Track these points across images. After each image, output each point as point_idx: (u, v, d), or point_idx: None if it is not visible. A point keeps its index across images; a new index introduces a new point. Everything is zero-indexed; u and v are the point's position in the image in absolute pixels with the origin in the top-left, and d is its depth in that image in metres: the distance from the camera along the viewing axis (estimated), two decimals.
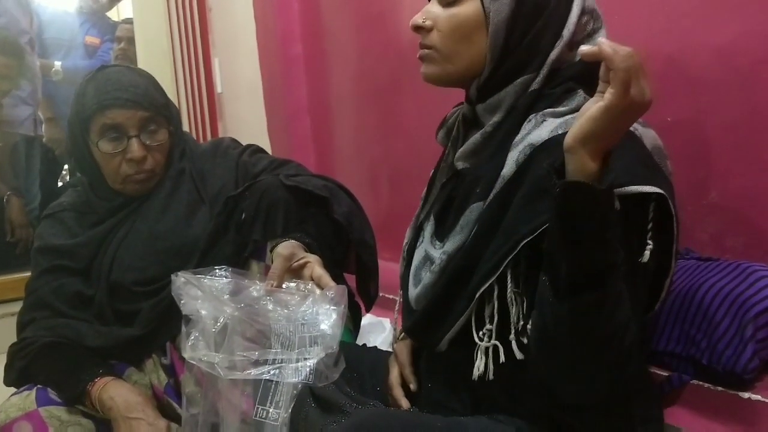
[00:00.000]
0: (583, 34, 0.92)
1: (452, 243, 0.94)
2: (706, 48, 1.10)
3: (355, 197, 1.41)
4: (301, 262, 1.15)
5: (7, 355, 1.29)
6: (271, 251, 1.20)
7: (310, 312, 1.00)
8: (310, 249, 1.21)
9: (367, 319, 1.57)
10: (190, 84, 2.88)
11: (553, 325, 0.78)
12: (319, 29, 2.37)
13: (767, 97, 1.03)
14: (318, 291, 1.06)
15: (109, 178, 1.33)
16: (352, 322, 1.38)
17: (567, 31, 0.90)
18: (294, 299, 1.03)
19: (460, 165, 0.99)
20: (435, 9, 0.95)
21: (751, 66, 1.04)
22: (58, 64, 3.24)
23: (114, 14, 4.54)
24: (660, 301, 0.88)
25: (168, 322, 1.26)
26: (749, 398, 0.95)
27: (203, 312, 0.98)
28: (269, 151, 2.08)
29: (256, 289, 1.05)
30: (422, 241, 1.03)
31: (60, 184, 3.43)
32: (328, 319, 0.99)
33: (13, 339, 1.32)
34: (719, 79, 1.09)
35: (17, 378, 1.27)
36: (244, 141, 1.55)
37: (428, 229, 1.03)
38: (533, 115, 0.89)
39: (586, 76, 0.82)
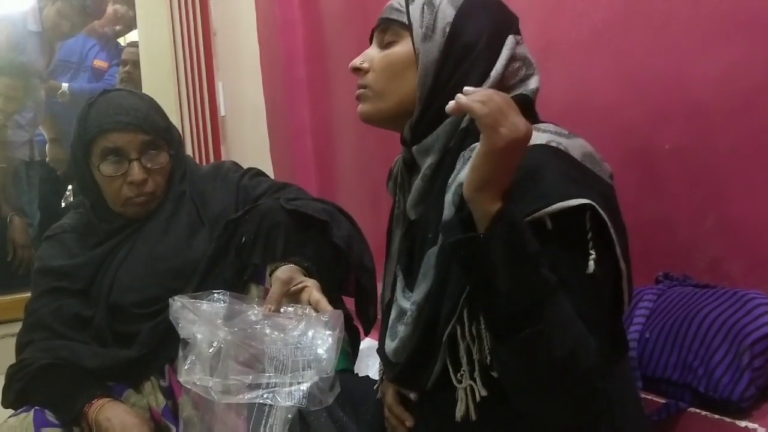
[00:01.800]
0: (516, 80, 0.95)
1: (419, 292, 0.94)
2: (705, 75, 1.11)
3: (355, 221, 1.41)
4: (300, 286, 1.15)
5: (6, 376, 1.29)
6: (271, 275, 1.21)
7: (305, 336, 1.00)
8: (308, 273, 1.21)
9: (365, 342, 1.57)
10: (193, 106, 2.90)
11: (502, 364, 0.80)
12: (322, 52, 2.39)
13: (764, 124, 1.04)
14: (315, 315, 1.07)
15: (110, 200, 1.34)
16: (350, 345, 1.38)
17: (495, 72, 0.93)
18: (291, 323, 1.03)
19: (412, 215, 1.00)
20: (373, 51, 1.01)
21: (749, 93, 1.05)
22: (65, 86, 3.26)
23: (120, 38, 4.60)
24: (625, 304, 0.89)
25: (167, 344, 1.26)
26: (746, 426, 0.94)
27: (199, 336, 0.98)
28: (271, 173, 2.10)
29: (253, 312, 1.05)
30: (396, 297, 1.03)
31: (63, 204, 3.44)
32: (323, 343, 0.99)
33: (13, 360, 1.32)
34: (717, 106, 1.10)
35: (15, 399, 1.27)
36: (247, 163, 1.56)
37: (399, 283, 1.03)
38: (463, 152, 0.91)
39: None
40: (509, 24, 0.98)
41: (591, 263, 0.80)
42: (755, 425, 0.94)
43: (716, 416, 0.98)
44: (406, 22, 0.96)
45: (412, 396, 1.01)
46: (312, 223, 1.31)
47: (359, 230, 1.40)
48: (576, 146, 0.87)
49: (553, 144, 0.85)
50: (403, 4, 0.98)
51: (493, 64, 0.93)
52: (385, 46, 0.99)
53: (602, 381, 0.80)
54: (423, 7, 0.96)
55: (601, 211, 0.80)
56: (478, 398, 0.85)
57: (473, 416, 0.86)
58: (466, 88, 0.79)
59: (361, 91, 1.01)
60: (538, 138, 0.85)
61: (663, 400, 1.04)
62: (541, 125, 0.90)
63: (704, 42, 1.11)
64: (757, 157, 1.05)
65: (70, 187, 3.44)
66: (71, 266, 1.36)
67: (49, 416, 1.21)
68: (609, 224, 0.81)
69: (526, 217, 0.79)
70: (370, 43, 1.03)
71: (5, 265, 2.93)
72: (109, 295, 1.32)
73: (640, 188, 1.24)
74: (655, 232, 1.22)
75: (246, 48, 2.77)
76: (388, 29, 0.99)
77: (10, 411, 1.27)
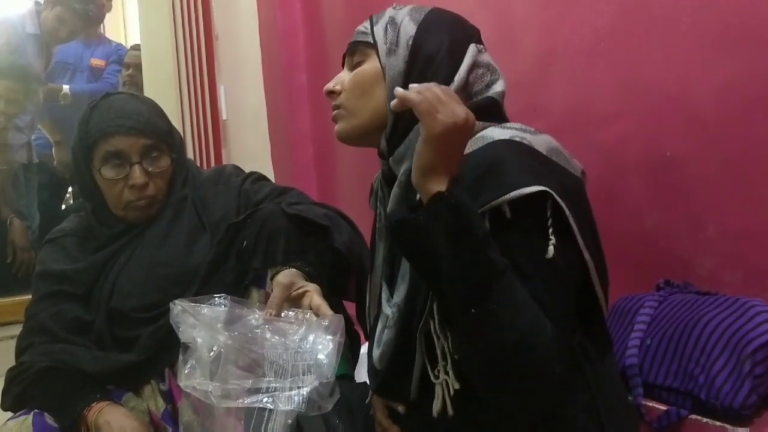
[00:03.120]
0: (482, 85, 1.00)
1: (398, 295, 0.98)
2: (705, 84, 1.11)
3: (356, 226, 1.41)
4: (300, 290, 1.15)
5: (5, 379, 1.29)
6: (272, 279, 1.21)
7: (306, 341, 1.00)
8: (309, 277, 1.21)
9: (366, 347, 1.56)
10: (195, 110, 2.90)
11: (457, 349, 0.83)
12: (323, 59, 2.40)
13: (763, 134, 1.04)
14: (315, 320, 1.07)
15: (111, 204, 1.34)
16: (350, 350, 1.38)
17: (458, 78, 0.97)
18: (292, 328, 1.03)
19: None
20: (344, 74, 1.06)
21: (749, 103, 1.05)
22: (66, 87, 3.27)
23: (122, 41, 4.61)
24: (601, 300, 0.92)
25: (167, 348, 1.26)
26: None
27: (199, 340, 0.98)
28: (272, 178, 2.09)
29: (254, 317, 1.05)
30: (382, 309, 1.05)
31: (63, 207, 3.44)
32: (324, 348, 0.99)
33: (12, 363, 1.32)
34: (717, 116, 1.10)
35: (14, 402, 1.27)
36: (248, 167, 1.56)
37: (384, 294, 1.06)
38: None
39: (476, 111, 0.88)
40: (469, 35, 1.03)
41: (550, 248, 0.82)
42: None
43: (717, 424, 0.97)
44: (372, 41, 1.02)
45: (400, 409, 1.02)
46: (313, 227, 1.31)
47: (360, 235, 1.40)
48: (541, 141, 0.91)
49: (517, 139, 0.89)
50: (368, 26, 1.04)
51: (456, 71, 0.98)
52: (354, 66, 1.05)
53: (561, 367, 0.81)
54: (386, 27, 1.02)
55: (559, 200, 0.82)
56: (451, 392, 0.87)
57: (450, 411, 0.87)
58: (411, 85, 0.84)
59: (336, 112, 1.06)
60: (502, 134, 0.90)
61: (664, 408, 1.03)
62: (507, 124, 0.95)
63: (705, 52, 1.11)
64: (757, 166, 1.05)
65: (70, 189, 3.45)
66: (72, 270, 1.36)
67: (49, 419, 1.21)
68: (568, 213, 0.83)
69: (484, 206, 0.82)
70: (342, 68, 1.08)
71: (5, 267, 2.93)
72: (109, 300, 1.32)
73: (640, 197, 1.24)
74: (655, 240, 1.22)
75: (248, 53, 2.77)
76: (356, 51, 1.05)
77: (10, 414, 1.26)
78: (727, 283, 1.10)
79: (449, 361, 0.86)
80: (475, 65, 1.00)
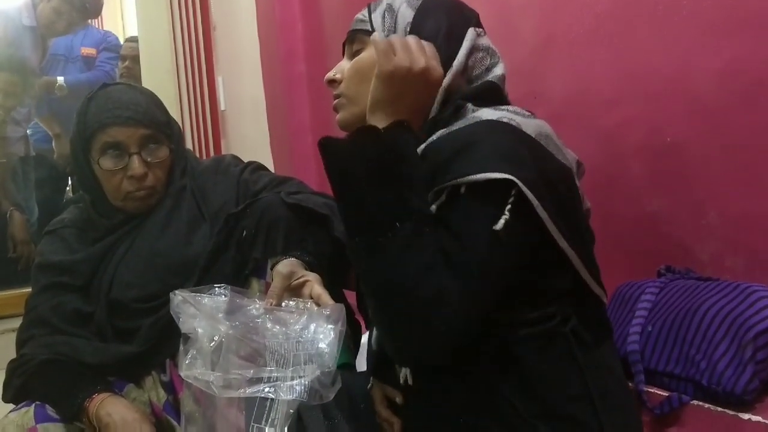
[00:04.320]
0: (482, 69, 1.01)
1: None
2: (707, 69, 1.11)
3: None
4: (301, 280, 1.15)
5: (6, 371, 1.29)
6: (272, 269, 1.20)
7: (307, 330, 1.00)
8: (310, 267, 1.21)
9: (367, 336, 1.56)
10: (193, 101, 2.89)
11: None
12: (322, 48, 2.39)
13: (765, 119, 1.03)
14: (316, 309, 1.06)
15: (110, 195, 1.33)
16: (351, 339, 1.38)
17: (457, 62, 0.98)
18: (292, 317, 1.03)
19: None
20: (344, 63, 1.07)
21: (751, 87, 1.05)
22: (60, 79, 3.25)
23: (120, 32, 4.59)
24: (590, 284, 0.92)
25: (168, 339, 1.26)
26: (749, 419, 0.94)
27: (200, 330, 0.98)
28: (272, 168, 2.09)
29: (255, 307, 1.05)
30: None
31: (65, 200, 3.44)
32: (325, 337, 0.99)
33: (13, 355, 1.31)
34: (719, 100, 1.10)
35: (15, 395, 1.27)
36: (247, 158, 1.55)
37: None
38: (430, 139, 0.94)
39: (476, 96, 0.92)
40: (467, 19, 1.03)
41: (501, 221, 0.82)
42: (758, 418, 0.94)
43: (719, 409, 0.98)
44: (370, 29, 1.03)
45: (398, 399, 1.02)
46: (313, 217, 1.30)
47: None
48: (532, 125, 0.91)
49: (505, 119, 0.89)
50: (366, 14, 1.05)
51: (455, 55, 0.98)
52: (353, 55, 1.05)
53: (466, 329, 0.82)
54: (384, 13, 1.03)
55: (526, 189, 0.82)
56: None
57: (410, 381, 0.92)
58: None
59: (336, 101, 1.07)
60: (491, 114, 0.90)
61: (666, 394, 1.04)
62: (503, 106, 0.95)
63: (706, 36, 1.11)
64: (758, 151, 1.05)
65: (70, 182, 3.44)
66: (71, 262, 1.35)
67: (50, 411, 1.21)
68: (536, 203, 0.83)
69: (447, 182, 0.84)
70: (343, 56, 1.09)
71: (6, 260, 2.93)
72: (109, 291, 1.32)
73: (641, 182, 1.24)
74: (656, 226, 1.22)
75: (246, 43, 2.76)
76: (355, 39, 1.06)
77: (11, 406, 1.26)
78: (729, 269, 1.10)
79: None
80: (474, 49, 1.00)
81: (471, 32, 1.00)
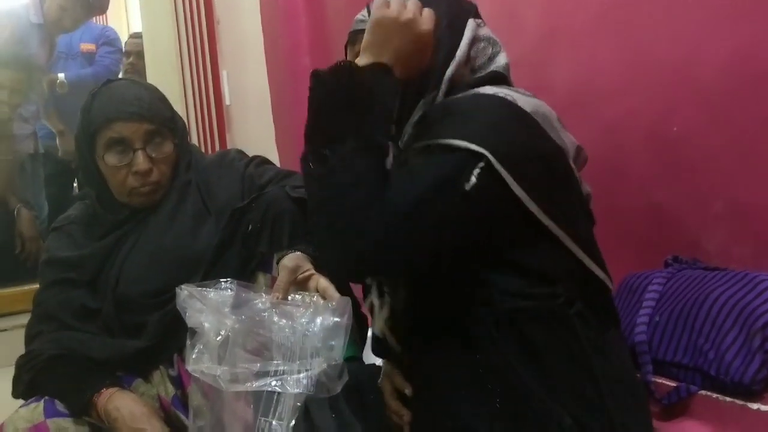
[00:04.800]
0: (484, 58, 1.02)
1: None
2: (713, 58, 1.10)
3: None
4: (307, 274, 1.15)
5: (15, 367, 1.30)
6: (278, 263, 1.20)
7: (313, 323, 1.00)
8: (315, 260, 1.21)
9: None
10: (198, 96, 2.89)
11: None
12: (326, 42, 2.38)
13: None
14: (322, 303, 1.07)
15: (115, 190, 1.34)
16: (358, 333, 1.38)
17: (460, 52, 0.99)
18: (299, 311, 1.03)
19: None
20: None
21: (758, 76, 1.04)
22: (61, 76, 3.24)
23: (124, 28, 4.59)
24: (592, 267, 0.94)
25: (175, 334, 1.26)
26: (758, 409, 0.94)
27: (206, 325, 0.98)
28: (277, 163, 2.09)
29: (261, 301, 1.05)
30: None
31: (73, 196, 3.44)
32: (331, 330, 0.99)
33: (22, 351, 1.32)
34: (725, 90, 1.09)
35: (25, 390, 1.27)
36: (252, 152, 1.55)
37: None
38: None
39: (481, 85, 0.95)
40: (467, 10, 1.05)
41: (472, 179, 0.84)
42: (767, 407, 0.93)
43: (728, 399, 0.97)
44: None
45: (407, 391, 1.03)
46: None
47: None
48: (530, 102, 0.93)
49: (501, 95, 0.92)
50: (366, 14, 1.07)
51: (457, 47, 1.00)
52: (356, 55, 1.04)
53: (386, 255, 0.85)
54: None
55: (498, 165, 0.84)
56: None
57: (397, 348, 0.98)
58: None
59: None
60: (489, 90, 0.94)
61: (674, 384, 1.03)
62: (506, 86, 0.98)
63: (712, 25, 1.10)
64: (765, 140, 1.04)
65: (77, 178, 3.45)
66: (78, 257, 1.36)
67: (59, 406, 1.21)
68: (510, 180, 0.85)
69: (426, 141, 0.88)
70: (345, 57, 1.11)
71: (14, 257, 2.94)
72: (116, 287, 1.32)
73: (647, 173, 1.23)
74: (663, 216, 1.22)
75: (250, 37, 2.75)
76: (356, 40, 1.06)
77: (21, 401, 1.27)
78: (736, 259, 1.09)
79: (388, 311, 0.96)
80: (475, 39, 1.02)
81: (471, 23, 1.02)
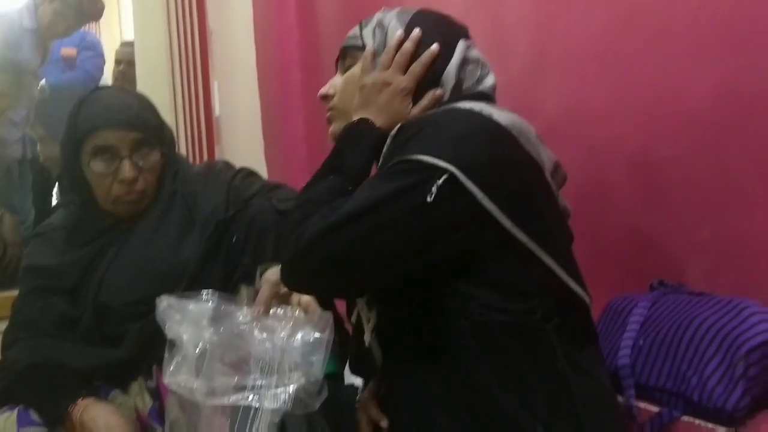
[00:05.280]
0: (473, 81, 1.03)
1: None
2: (701, 86, 1.11)
3: None
4: None
5: None
6: (261, 276, 1.19)
7: (293, 338, 0.99)
8: None
9: None
10: (188, 106, 2.88)
11: None
12: (317, 58, 2.38)
13: (760, 136, 1.03)
14: (303, 317, 1.06)
15: (100, 198, 1.33)
16: (340, 349, 1.36)
17: (447, 74, 1.01)
18: (279, 325, 1.02)
19: None
20: (337, 78, 1.11)
21: (745, 105, 1.05)
22: (42, 82, 3.23)
23: (117, 36, 4.58)
24: (567, 281, 0.92)
25: (154, 345, 1.23)
26: None
27: (185, 336, 0.97)
28: (265, 175, 2.08)
29: (242, 314, 1.04)
30: None
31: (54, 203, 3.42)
32: (311, 346, 0.98)
33: None
34: (713, 117, 1.09)
35: None
36: (241, 164, 1.55)
37: None
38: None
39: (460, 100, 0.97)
40: (457, 32, 1.06)
41: (434, 190, 0.84)
42: None
43: (710, 425, 0.96)
44: (361, 45, 1.06)
45: (383, 423, 1.01)
46: None
47: None
48: (507, 117, 0.92)
49: (476, 109, 0.92)
50: (358, 31, 1.08)
51: (445, 67, 1.01)
52: (345, 69, 1.10)
53: (322, 263, 0.87)
54: (374, 29, 1.06)
55: (465, 180, 0.84)
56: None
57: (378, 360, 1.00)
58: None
59: (329, 113, 1.11)
60: (465, 105, 0.95)
61: (656, 409, 1.02)
62: (483, 102, 0.98)
63: (701, 53, 1.11)
64: (752, 168, 1.05)
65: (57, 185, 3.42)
66: (59, 264, 1.34)
67: (33, 415, 1.20)
68: (477, 193, 0.85)
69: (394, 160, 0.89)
70: (336, 72, 1.12)
71: None
72: (97, 295, 1.31)
73: (635, 197, 1.23)
74: (649, 241, 1.22)
75: (242, 49, 2.75)
76: (347, 55, 1.10)
77: None
78: (722, 285, 1.09)
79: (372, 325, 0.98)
80: (465, 61, 1.02)
81: (461, 44, 1.03)
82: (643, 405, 1.05)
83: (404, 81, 1.00)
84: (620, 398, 1.05)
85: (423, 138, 0.89)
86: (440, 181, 0.84)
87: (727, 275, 1.10)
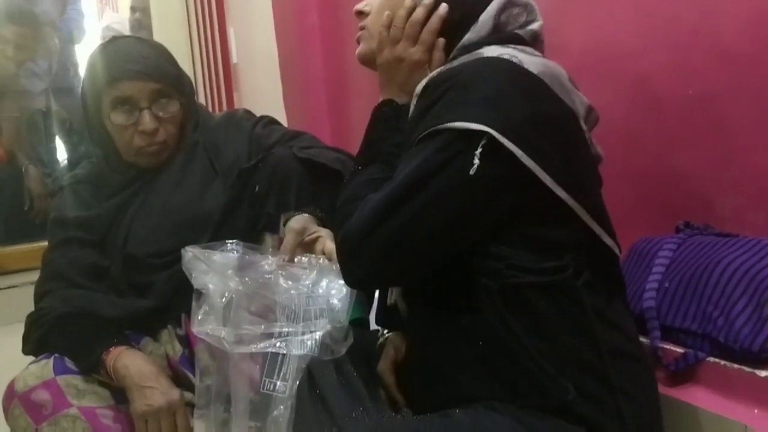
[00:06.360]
0: (515, 25, 0.98)
1: None
2: (731, 20, 1.07)
3: None
4: (313, 236, 1.14)
5: (25, 324, 1.31)
6: (284, 225, 1.20)
7: (318, 286, 1.00)
8: (322, 222, 1.20)
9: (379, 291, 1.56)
10: (205, 54, 2.86)
11: None
12: None
13: None
14: (328, 265, 1.06)
15: (122, 150, 1.33)
16: (365, 295, 1.38)
17: (486, 16, 0.96)
18: (304, 273, 1.03)
19: None
20: None
21: None
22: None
23: None
24: (596, 231, 0.91)
25: (182, 294, 1.25)
26: (766, 377, 0.93)
27: (211, 286, 0.98)
28: (285, 122, 2.07)
29: (267, 262, 1.05)
30: None
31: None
32: (337, 293, 0.99)
33: (31, 308, 1.33)
34: (743, 52, 1.06)
35: (34, 347, 1.29)
36: (260, 111, 1.54)
37: None
38: (430, 75, 0.96)
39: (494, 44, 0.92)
40: None
41: (473, 165, 0.82)
42: None
43: (736, 366, 0.96)
44: None
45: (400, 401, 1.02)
46: (325, 171, 1.29)
47: None
48: (537, 62, 0.89)
49: (506, 56, 0.88)
50: None
51: (482, 9, 0.96)
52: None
53: (378, 240, 0.85)
54: None
55: (504, 139, 0.82)
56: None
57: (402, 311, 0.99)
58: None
59: (360, 32, 1.07)
60: (494, 52, 0.90)
61: (682, 350, 1.03)
62: (511, 45, 0.94)
63: None
64: None
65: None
66: (86, 217, 1.36)
67: (69, 364, 1.23)
68: (518, 152, 0.83)
69: (427, 127, 0.86)
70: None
71: (23, 214, 2.95)
72: (124, 247, 1.32)
73: (661, 137, 1.21)
74: (676, 181, 1.20)
75: None
76: None
77: (31, 358, 1.29)
78: (750, 224, 1.08)
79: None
80: (509, 4, 0.97)
81: None
82: (668, 346, 1.05)
83: (416, 53, 0.98)
84: (645, 340, 1.05)
85: (452, 102, 0.86)
86: (480, 149, 0.82)
87: (756, 214, 1.08)
